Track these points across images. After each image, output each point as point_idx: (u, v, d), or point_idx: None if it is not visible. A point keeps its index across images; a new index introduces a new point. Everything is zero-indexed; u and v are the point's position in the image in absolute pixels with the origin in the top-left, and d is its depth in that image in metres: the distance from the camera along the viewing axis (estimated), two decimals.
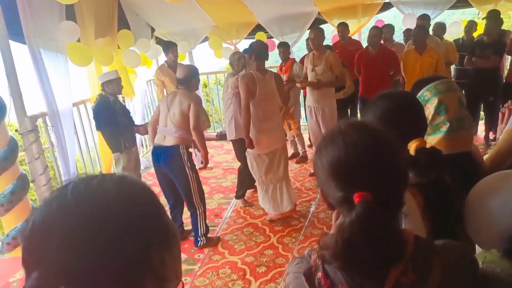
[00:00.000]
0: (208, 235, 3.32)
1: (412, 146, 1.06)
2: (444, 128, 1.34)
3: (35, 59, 3.32)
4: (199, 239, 3.27)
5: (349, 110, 5.06)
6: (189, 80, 3.13)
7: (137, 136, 4.09)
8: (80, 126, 4.32)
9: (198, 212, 3.23)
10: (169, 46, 4.88)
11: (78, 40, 3.90)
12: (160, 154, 3.12)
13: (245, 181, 4.07)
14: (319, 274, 0.74)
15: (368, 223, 0.64)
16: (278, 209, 3.58)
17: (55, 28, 3.57)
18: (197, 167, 3.29)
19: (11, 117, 3.31)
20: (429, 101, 1.35)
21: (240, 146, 3.80)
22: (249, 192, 4.24)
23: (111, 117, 3.60)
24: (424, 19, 4.83)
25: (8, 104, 3.19)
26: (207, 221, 3.34)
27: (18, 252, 3.36)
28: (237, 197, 4.10)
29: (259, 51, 3.41)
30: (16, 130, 3.14)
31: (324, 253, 0.71)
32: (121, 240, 0.49)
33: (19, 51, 3.33)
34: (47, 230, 0.49)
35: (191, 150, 3.93)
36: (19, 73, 3.14)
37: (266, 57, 3.45)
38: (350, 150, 0.70)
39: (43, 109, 3.47)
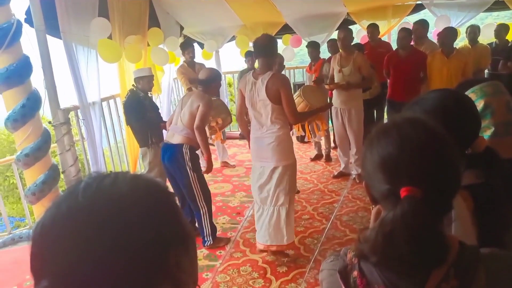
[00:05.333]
0: (216, 235, 3.32)
1: (481, 144, 1.02)
2: (488, 133, 1.28)
3: (69, 54, 3.42)
4: (206, 239, 3.28)
5: (375, 111, 4.96)
6: (208, 83, 3.16)
7: (164, 132, 4.15)
8: (109, 120, 4.43)
9: (201, 212, 3.21)
10: (184, 47, 5.03)
11: (110, 37, 4.00)
12: (166, 150, 3.18)
13: None
14: (355, 273, 0.73)
15: (412, 219, 0.62)
16: (261, 238, 3.01)
17: (88, 24, 3.67)
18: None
19: (44, 110, 3.43)
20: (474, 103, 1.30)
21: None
22: None
23: (140, 112, 3.68)
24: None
25: (43, 97, 3.30)
26: (213, 220, 3.31)
27: None
28: None
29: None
30: (49, 122, 3.24)
31: (363, 246, 0.69)
32: (138, 245, 0.45)
33: (53, 45, 3.43)
34: (57, 235, 0.45)
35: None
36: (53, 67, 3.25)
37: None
38: (404, 144, 0.68)
39: (74, 102, 3.57)
